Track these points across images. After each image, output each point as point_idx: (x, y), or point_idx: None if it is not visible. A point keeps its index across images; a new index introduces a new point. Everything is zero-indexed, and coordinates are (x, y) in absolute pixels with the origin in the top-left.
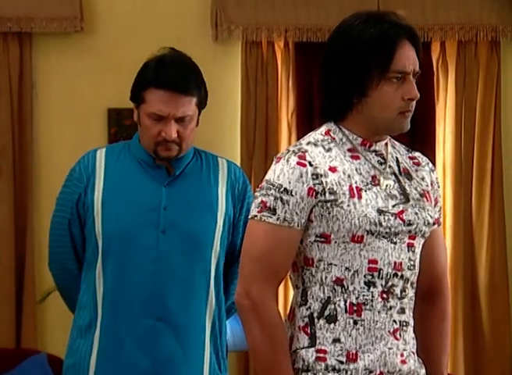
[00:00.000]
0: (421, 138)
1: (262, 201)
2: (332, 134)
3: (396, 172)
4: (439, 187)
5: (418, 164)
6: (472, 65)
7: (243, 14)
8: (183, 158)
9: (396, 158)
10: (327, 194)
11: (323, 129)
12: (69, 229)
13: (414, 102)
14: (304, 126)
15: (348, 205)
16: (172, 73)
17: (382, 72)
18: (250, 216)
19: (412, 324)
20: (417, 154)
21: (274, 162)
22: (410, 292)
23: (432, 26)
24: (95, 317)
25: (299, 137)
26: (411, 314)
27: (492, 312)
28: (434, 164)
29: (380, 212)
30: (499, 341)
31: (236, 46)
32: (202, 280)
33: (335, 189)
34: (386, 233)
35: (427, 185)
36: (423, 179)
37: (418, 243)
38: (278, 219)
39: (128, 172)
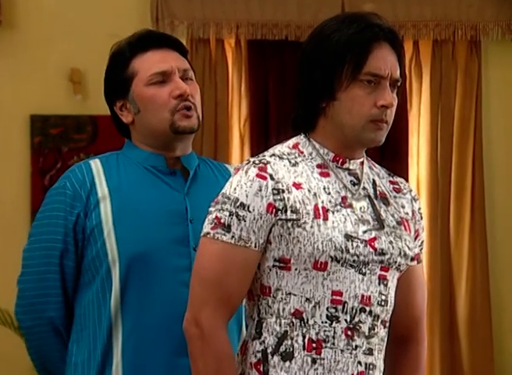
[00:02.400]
0: (391, 151)
1: (216, 217)
2: (300, 148)
3: (372, 195)
4: (421, 218)
5: (399, 191)
6: (449, 67)
7: (188, 7)
8: (190, 157)
9: (373, 180)
10: (288, 213)
11: (291, 142)
12: (60, 264)
13: (391, 113)
14: (259, 136)
15: (311, 227)
16: (152, 34)
17: (354, 72)
18: (202, 234)
19: (381, 369)
20: (399, 179)
21: (232, 174)
22: (381, 332)
23: (404, 23)
24: (109, 359)
25: (252, 149)
26: (381, 357)
27: (473, 350)
28: (407, 180)
29: (348, 237)
30: None
31: None
32: None
33: (297, 207)
34: (354, 261)
35: (406, 213)
36: (403, 207)
37: (392, 276)
38: (233, 237)
39: (137, 181)
